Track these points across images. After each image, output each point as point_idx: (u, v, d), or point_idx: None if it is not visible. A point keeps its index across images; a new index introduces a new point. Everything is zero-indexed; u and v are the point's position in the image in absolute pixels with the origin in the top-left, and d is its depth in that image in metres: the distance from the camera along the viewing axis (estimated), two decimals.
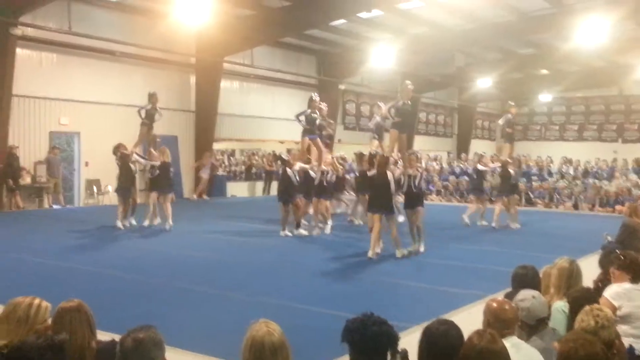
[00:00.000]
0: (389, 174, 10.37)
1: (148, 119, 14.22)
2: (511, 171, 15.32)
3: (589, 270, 6.63)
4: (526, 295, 3.82)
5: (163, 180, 13.52)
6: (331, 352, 4.96)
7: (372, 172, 10.99)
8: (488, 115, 39.05)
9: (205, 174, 20.96)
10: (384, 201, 10.31)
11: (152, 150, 14.27)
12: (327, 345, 5.13)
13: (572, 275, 4.66)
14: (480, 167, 16.27)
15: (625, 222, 8.73)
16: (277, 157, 14.56)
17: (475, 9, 19.85)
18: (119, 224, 13.11)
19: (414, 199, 11.00)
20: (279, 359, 2.79)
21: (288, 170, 12.69)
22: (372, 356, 2.86)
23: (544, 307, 3.85)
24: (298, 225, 12.83)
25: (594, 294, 4.44)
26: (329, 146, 16.58)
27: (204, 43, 20.10)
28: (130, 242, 11.65)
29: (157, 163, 13.65)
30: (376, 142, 14.43)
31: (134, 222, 13.69)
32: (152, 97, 14.31)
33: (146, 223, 13.51)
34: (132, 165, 13.58)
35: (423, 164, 15.44)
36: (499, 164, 16.09)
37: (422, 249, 10.97)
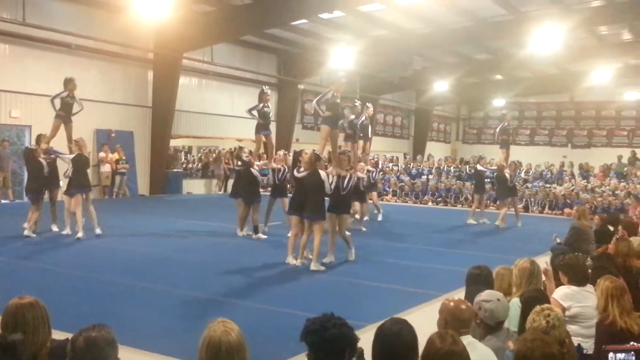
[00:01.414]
0: (322, 173, 9.36)
1: (63, 110, 11.79)
2: (507, 175, 15.87)
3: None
4: (491, 297, 3.88)
5: (77, 177, 11.39)
6: (289, 351, 4.98)
7: (301, 173, 9.74)
8: (444, 118, 39.71)
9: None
10: (313, 204, 9.31)
11: (71, 147, 11.83)
12: (285, 344, 5.16)
13: (532, 274, 4.81)
14: (479, 167, 17.07)
15: (574, 224, 8.99)
16: (237, 157, 14.01)
17: (434, 14, 20.16)
18: (27, 231, 11.19)
19: (341, 204, 9.88)
20: (235, 358, 2.76)
21: (252, 170, 12.26)
22: (330, 357, 2.87)
23: (506, 311, 3.93)
24: (256, 230, 12.29)
25: (545, 295, 4.58)
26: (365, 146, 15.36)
27: (163, 38, 19.80)
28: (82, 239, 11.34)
29: (71, 156, 11.45)
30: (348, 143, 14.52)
31: (55, 228, 11.87)
32: (68, 84, 11.86)
33: (65, 231, 11.57)
34: (42, 162, 11.43)
35: (380, 165, 15.68)
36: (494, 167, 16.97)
37: (352, 257, 10.10)
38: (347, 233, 10.48)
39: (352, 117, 13.89)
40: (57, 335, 3.51)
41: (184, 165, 26.39)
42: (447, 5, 19.19)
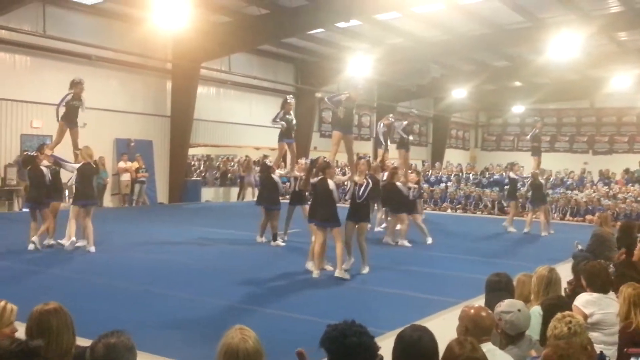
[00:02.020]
0: (330, 183, 9.19)
1: (69, 115, 11.17)
2: (542, 181, 15.93)
3: (562, 277, 6.76)
4: (511, 308, 3.82)
5: (82, 187, 10.71)
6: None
7: (314, 180, 9.60)
8: (462, 125, 39.51)
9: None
10: (324, 211, 9.21)
11: (77, 153, 11.18)
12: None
13: (550, 282, 4.75)
14: (512, 175, 16.95)
15: (596, 231, 8.87)
16: (261, 163, 13.81)
17: (451, 22, 20.09)
18: (31, 245, 10.47)
19: (358, 211, 9.68)
20: None
21: (273, 176, 12.37)
22: None
23: (527, 321, 3.88)
24: (274, 238, 12.29)
25: (567, 302, 4.51)
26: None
27: (181, 48, 20.02)
28: (103, 246, 11.40)
29: (76, 165, 10.78)
30: (381, 151, 14.51)
31: (52, 241, 10.98)
32: (74, 86, 11.24)
33: (65, 242, 10.70)
34: (44, 170, 10.71)
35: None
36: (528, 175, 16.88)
37: (365, 270, 9.67)
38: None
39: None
40: (77, 342, 3.54)
41: (202, 174, 26.55)
42: (463, 12, 19.13)
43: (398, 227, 13.29)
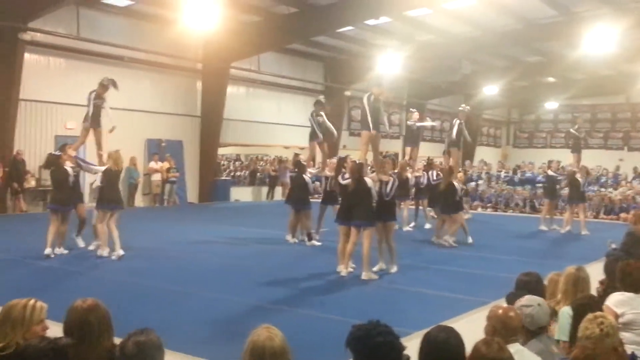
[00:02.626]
0: (368, 181, 9.14)
1: (93, 114, 11.02)
2: (580, 179, 15.56)
3: (593, 276, 6.63)
4: (532, 302, 3.80)
5: (107, 192, 10.26)
6: (333, 358, 4.95)
7: (346, 180, 9.54)
8: (494, 122, 38.99)
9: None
10: (362, 211, 9.08)
11: (101, 154, 11.00)
12: (329, 350, 5.14)
13: (577, 281, 4.69)
14: (550, 172, 16.64)
15: (631, 230, 8.66)
16: (295, 161, 13.64)
17: (482, 17, 19.85)
18: (48, 250, 9.92)
19: (385, 210, 9.49)
20: None
21: (305, 176, 12.34)
22: None
23: (547, 316, 3.84)
24: (310, 237, 12.20)
25: (597, 302, 4.43)
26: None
27: (211, 49, 20.19)
28: (132, 245, 11.39)
29: (101, 168, 10.44)
30: (408, 149, 14.39)
31: (81, 243, 10.95)
32: (99, 86, 11.21)
33: (91, 247, 10.66)
34: (68, 170, 10.26)
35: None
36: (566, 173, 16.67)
37: (394, 269, 9.60)
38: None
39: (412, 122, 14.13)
40: None
41: (232, 174, 26.76)
42: (495, 7, 18.88)
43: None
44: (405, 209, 15.08)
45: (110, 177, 10.28)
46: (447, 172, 13.16)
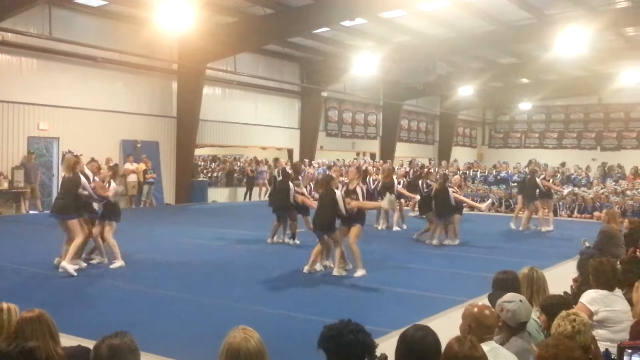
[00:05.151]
0: (336, 192, 9.43)
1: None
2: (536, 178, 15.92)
3: (567, 274, 6.73)
4: (514, 298, 3.83)
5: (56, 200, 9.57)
6: (309, 358, 4.94)
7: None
8: (469, 122, 39.42)
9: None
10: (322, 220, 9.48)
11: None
12: (305, 351, 5.13)
13: (532, 282, 4.67)
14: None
15: (604, 228, 8.82)
16: (282, 169, 13.25)
17: (457, 19, 20.03)
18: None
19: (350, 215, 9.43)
20: None
21: (290, 183, 12.31)
22: None
23: (528, 313, 3.87)
24: (294, 237, 12.52)
25: (569, 300, 4.48)
26: None
27: (186, 49, 20.06)
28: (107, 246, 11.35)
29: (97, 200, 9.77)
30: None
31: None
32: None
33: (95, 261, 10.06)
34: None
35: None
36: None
37: (358, 274, 9.30)
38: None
39: None
40: (85, 343, 3.55)
41: (209, 175, 26.60)
42: (469, 10, 19.06)
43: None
44: (397, 211, 15.56)
45: (62, 184, 9.53)
46: (442, 177, 13.39)
